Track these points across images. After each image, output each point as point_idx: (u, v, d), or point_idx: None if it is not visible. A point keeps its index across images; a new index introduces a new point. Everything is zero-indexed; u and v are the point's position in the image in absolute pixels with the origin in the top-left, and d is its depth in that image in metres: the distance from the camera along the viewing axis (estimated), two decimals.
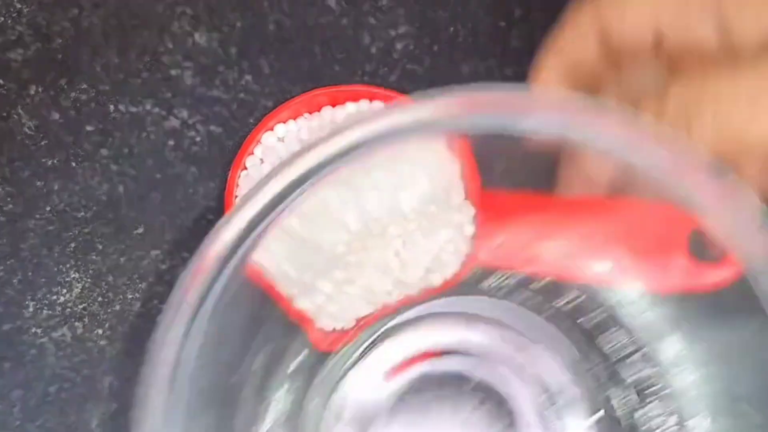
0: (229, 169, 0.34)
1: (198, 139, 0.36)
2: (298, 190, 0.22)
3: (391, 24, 0.37)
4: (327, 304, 0.29)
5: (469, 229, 0.29)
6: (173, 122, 0.36)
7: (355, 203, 0.28)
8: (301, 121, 0.35)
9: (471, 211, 0.29)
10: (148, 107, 0.36)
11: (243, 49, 0.37)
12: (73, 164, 0.36)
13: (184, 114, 0.36)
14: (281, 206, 0.22)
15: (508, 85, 0.27)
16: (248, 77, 0.36)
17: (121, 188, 0.35)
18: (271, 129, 0.34)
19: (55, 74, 0.36)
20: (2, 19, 0.37)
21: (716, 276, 0.26)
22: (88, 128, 0.36)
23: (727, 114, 0.22)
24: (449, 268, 0.30)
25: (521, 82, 0.28)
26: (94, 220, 0.35)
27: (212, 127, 0.36)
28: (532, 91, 0.26)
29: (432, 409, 0.30)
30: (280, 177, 0.22)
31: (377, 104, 0.34)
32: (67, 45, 0.37)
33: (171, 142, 0.36)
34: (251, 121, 0.36)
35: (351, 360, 0.31)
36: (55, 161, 0.36)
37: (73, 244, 0.35)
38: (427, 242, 0.29)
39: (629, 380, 0.30)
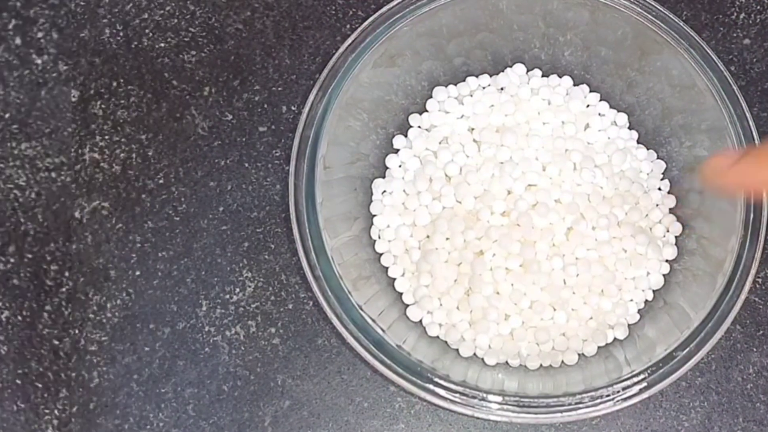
0: None
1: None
2: None
3: None
4: None
5: None
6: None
7: None
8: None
9: None
10: None
11: None
12: (246, 165, 0.36)
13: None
14: None
15: None
16: None
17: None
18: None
19: (227, 75, 0.37)
20: (176, 21, 0.37)
21: None
22: (261, 129, 0.36)
23: None
24: None
25: None
26: (267, 220, 0.35)
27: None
28: None
29: None
30: None
31: None
32: (239, 46, 0.37)
33: None
34: None
35: None
36: (228, 161, 0.36)
37: (246, 244, 0.35)
38: None
39: None
